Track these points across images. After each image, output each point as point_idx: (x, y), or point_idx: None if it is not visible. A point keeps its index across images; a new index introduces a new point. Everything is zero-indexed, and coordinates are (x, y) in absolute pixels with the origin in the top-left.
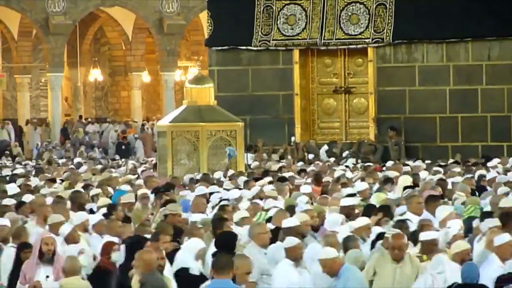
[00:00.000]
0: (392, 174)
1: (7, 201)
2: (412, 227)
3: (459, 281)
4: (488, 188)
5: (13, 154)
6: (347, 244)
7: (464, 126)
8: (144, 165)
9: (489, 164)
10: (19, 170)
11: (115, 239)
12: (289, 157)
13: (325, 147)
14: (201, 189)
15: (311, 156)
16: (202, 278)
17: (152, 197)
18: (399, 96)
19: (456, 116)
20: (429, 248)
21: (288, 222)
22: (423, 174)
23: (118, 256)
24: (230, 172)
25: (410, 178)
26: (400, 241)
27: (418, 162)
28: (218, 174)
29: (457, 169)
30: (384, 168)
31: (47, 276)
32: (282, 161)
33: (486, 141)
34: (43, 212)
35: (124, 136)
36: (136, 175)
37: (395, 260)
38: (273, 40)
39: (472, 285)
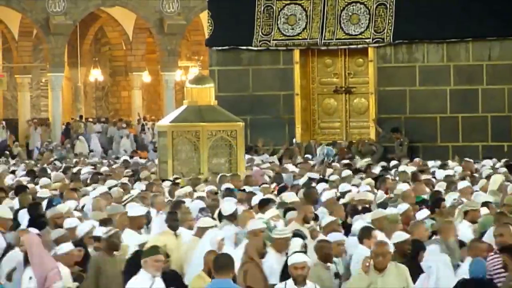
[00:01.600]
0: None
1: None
2: None
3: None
4: None
5: (13, 154)
6: None
7: (465, 126)
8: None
9: None
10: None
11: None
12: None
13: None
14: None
15: (309, 156)
16: None
17: None
18: (400, 96)
19: (456, 116)
20: None
21: None
22: None
23: None
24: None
25: (503, 177)
26: (383, 249)
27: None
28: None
29: None
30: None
31: (30, 277)
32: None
33: (487, 141)
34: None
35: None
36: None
37: (377, 270)
38: (273, 40)
39: (479, 280)
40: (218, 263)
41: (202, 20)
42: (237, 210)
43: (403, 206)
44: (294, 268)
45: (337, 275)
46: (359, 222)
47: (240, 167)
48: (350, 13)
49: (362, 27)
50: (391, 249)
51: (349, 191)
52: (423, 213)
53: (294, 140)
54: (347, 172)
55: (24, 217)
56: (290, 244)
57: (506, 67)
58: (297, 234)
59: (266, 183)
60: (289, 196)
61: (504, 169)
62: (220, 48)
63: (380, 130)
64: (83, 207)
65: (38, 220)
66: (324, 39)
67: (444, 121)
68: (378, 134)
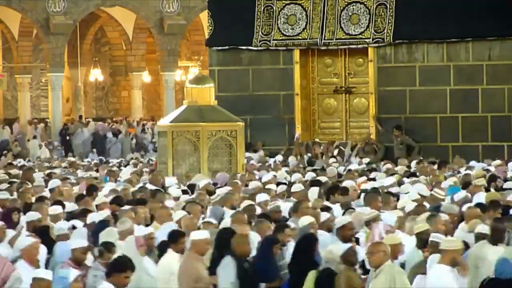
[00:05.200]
0: None
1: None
2: None
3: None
4: None
5: (13, 153)
6: None
7: (465, 126)
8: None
9: None
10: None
11: None
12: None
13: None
14: None
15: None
16: None
17: None
18: (400, 96)
19: (456, 116)
20: None
21: None
22: None
23: None
24: None
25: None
26: (375, 246)
27: None
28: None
29: None
30: None
31: None
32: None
33: (487, 141)
34: None
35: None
36: None
37: (372, 265)
38: (273, 40)
39: (506, 281)
40: None
41: (202, 20)
42: None
43: None
44: None
45: None
46: None
47: (240, 167)
48: (350, 13)
49: (362, 27)
50: (386, 248)
51: None
52: None
53: (297, 135)
54: None
55: None
56: None
57: (506, 67)
58: None
59: None
60: None
61: None
62: (220, 48)
63: (380, 128)
64: None
65: None
66: (324, 39)
67: (444, 121)
68: (378, 131)
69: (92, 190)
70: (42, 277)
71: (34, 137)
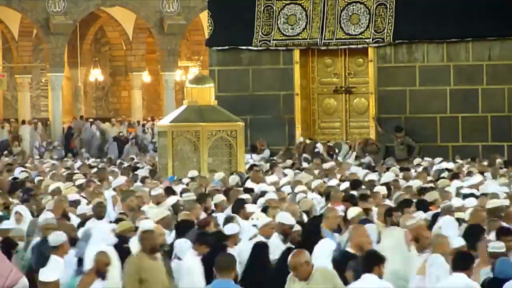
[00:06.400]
0: None
1: None
2: None
3: None
4: None
5: (13, 153)
6: None
7: (465, 126)
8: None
9: None
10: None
11: None
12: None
13: (320, 145)
14: None
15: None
16: None
17: None
18: (400, 96)
19: (456, 116)
20: None
21: None
22: None
23: None
24: None
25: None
26: (297, 259)
27: None
28: None
29: None
30: None
31: None
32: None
33: (487, 141)
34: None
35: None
36: None
37: (301, 279)
38: (273, 40)
39: (507, 280)
40: (220, 264)
41: (202, 20)
42: None
43: None
44: None
45: None
46: None
47: (240, 167)
48: (350, 13)
49: (362, 27)
50: (308, 257)
51: None
52: None
53: (301, 139)
54: None
55: None
56: None
57: (506, 67)
58: None
59: None
60: None
61: None
62: (220, 48)
63: (380, 129)
64: None
65: None
66: (324, 39)
67: (444, 121)
68: (378, 132)
69: (171, 192)
70: (46, 281)
71: (25, 122)
